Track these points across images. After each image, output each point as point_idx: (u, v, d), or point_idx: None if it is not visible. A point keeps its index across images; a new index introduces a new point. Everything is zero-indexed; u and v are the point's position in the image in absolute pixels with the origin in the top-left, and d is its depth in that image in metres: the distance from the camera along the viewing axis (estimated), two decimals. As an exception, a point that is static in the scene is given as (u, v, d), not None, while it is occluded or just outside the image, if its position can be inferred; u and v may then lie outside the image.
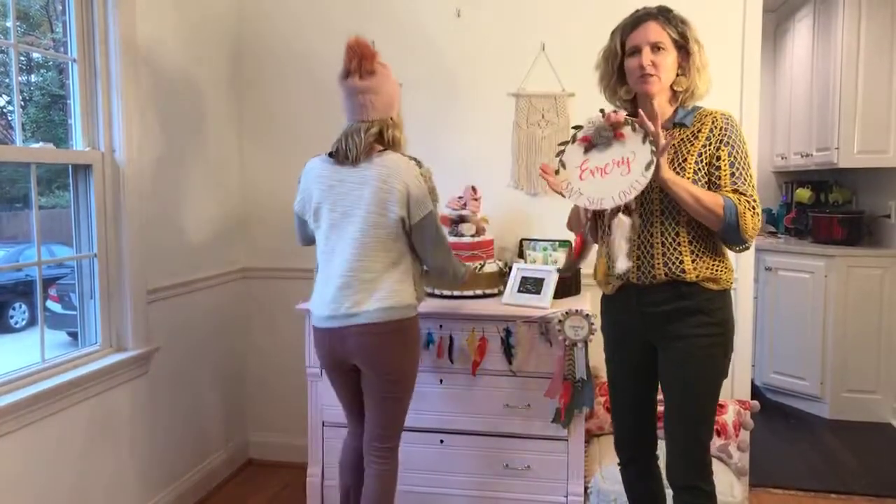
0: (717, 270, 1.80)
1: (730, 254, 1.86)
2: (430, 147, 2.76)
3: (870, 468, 3.24)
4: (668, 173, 1.72)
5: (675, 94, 1.85)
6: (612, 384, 2.02)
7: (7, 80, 2.37)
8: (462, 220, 2.72)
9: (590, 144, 1.80)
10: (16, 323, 4.67)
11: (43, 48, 2.58)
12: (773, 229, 5.00)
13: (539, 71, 2.94)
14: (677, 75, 1.82)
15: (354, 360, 2.05)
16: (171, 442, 2.75)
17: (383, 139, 2.04)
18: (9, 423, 1.96)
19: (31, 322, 4.77)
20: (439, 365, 2.52)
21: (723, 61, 2.80)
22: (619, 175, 1.72)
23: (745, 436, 2.61)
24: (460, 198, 2.76)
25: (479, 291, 2.65)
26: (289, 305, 3.12)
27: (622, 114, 1.79)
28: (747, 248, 1.81)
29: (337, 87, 2.06)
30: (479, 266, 2.67)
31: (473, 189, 2.76)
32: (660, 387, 1.92)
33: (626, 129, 1.75)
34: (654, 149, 1.70)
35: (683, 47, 1.81)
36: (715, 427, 2.46)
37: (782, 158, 4.82)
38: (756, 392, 3.97)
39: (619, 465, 2.06)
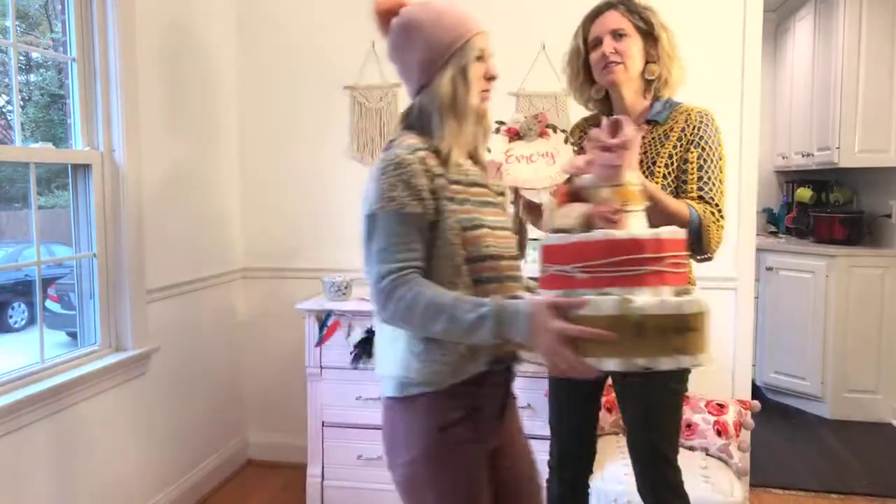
0: None
1: (694, 264, 1.72)
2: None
3: (870, 468, 3.24)
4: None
5: (647, 84, 1.75)
6: (559, 408, 1.88)
7: (6, 80, 2.37)
8: None
9: (516, 135, 1.88)
10: (15, 323, 4.67)
11: (42, 48, 2.58)
12: (773, 229, 4.99)
13: (539, 71, 2.94)
14: (647, 62, 1.73)
15: None
16: (171, 442, 2.75)
17: (409, 120, 1.45)
18: (8, 422, 1.96)
19: (31, 322, 4.77)
20: (439, 365, 2.51)
21: (723, 61, 2.80)
22: (545, 165, 1.81)
23: (745, 436, 2.60)
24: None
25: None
26: (289, 305, 3.12)
27: (548, 117, 1.89)
28: (710, 260, 1.70)
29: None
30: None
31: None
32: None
33: (550, 130, 1.88)
34: (574, 149, 1.80)
35: (650, 34, 1.71)
36: (716, 427, 2.48)
37: (783, 158, 4.82)
38: (756, 392, 3.97)
39: (557, 479, 1.92)
